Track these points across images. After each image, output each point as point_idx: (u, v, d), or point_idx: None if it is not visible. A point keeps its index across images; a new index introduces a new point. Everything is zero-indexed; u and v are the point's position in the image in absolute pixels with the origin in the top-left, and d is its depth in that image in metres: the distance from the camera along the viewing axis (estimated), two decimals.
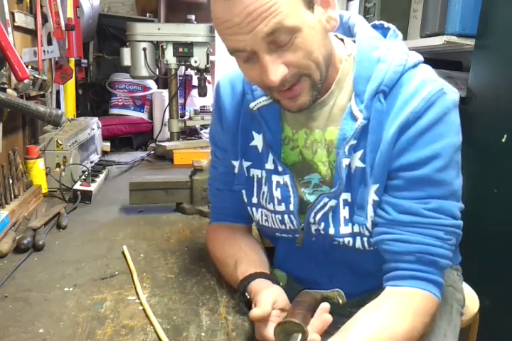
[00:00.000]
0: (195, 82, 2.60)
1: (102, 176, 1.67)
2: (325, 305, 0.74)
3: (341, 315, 0.92)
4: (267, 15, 0.67)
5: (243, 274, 0.86)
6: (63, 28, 1.78)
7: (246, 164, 0.93)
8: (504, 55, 1.41)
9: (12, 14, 1.42)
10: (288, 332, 0.70)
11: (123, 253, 1.09)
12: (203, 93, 2.15)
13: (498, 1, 1.44)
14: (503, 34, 1.41)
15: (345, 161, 0.80)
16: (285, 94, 0.77)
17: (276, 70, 0.72)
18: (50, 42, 1.75)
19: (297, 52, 0.72)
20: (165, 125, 2.27)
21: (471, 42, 1.57)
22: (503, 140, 1.37)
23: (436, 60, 1.95)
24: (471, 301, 1.16)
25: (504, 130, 1.37)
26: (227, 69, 0.97)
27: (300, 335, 0.69)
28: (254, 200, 0.94)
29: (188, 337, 0.77)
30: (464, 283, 1.07)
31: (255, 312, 0.72)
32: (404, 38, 0.85)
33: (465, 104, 1.53)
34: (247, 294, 0.82)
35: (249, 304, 0.81)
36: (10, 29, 1.33)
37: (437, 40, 1.64)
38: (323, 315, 0.73)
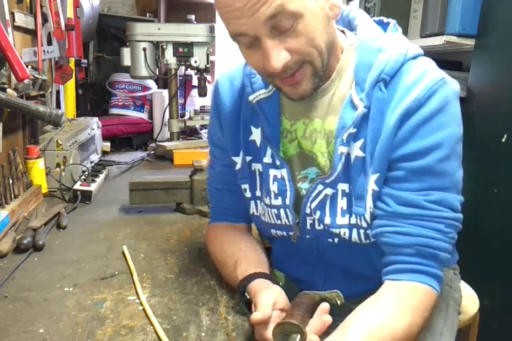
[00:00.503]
0: (195, 82, 2.60)
1: (102, 176, 1.67)
2: (325, 306, 0.74)
3: (340, 314, 0.92)
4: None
5: (243, 274, 0.85)
6: (63, 28, 1.78)
7: (247, 159, 0.92)
8: (504, 55, 1.41)
9: (12, 14, 1.42)
10: (286, 333, 0.70)
11: (123, 253, 1.09)
12: (203, 93, 2.15)
13: (498, 1, 1.44)
14: (503, 34, 1.41)
15: (342, 149, 0.79)
16: (287, 81, 0.77)
17: (279, 56, 0.71)
18: (50, 42, 1.75)
19: (299, 38, 0.71)
20: (165, 125, 2.28)
21: (471, 42, 1.57)
22: (503, 140, 1.37)
23: (436, 60, 1.95)
24: (471, 301, 1.16)
25: (504, 130, 1.37)
26: (227, 70, 0.97)
27: (299, 336, 0.69)
28: (258, 193, 0.94)
29: (188, 337, 0.77)
30: (463, 282, 1.07)
31: (255, 316, 0.72)
32: None
33: (465, 104, 1.53)
34: (246, 294, 0.82)
35: (249, 304, 0.81)
36: (10, 29, 1.33)
37: (437, 40, 1.64)
38: (322, 316, 0.73)
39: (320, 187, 0.84)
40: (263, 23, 0.69)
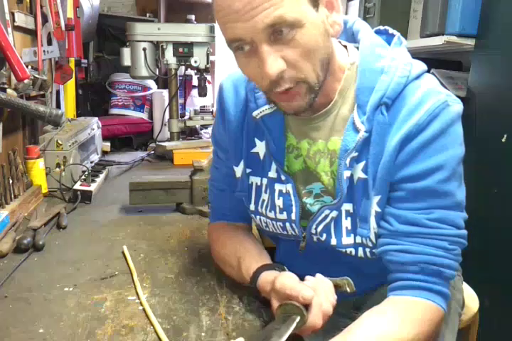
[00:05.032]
0: (195, 82, 2.60)
1: (102, 176, 1.67)
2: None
3: (343, 316, 0.92)
4: (269, 7, 0.66)
5: (247, 271, 0.86)
6: (63, 28, 1.78)
7: (247, 170, 0.92)
8: (504, 55, 1.41)
9: (12, 14, 1.42)
10: (288, 314, 0.73)
11: (123, 253, 1.09)
12: (203, 93, 2.15)
13: (498, 1, 1.44)
14: (503, 34, 1.41)
15: (347, 173, 0.80)
16: (281, 97, 0.76)
17: (274, 62, 0.70)
18: (50, 42, 1.75)
19: (297, 49, 0.70)
20: (165, 125, 2.28)
21: (471, 42, 1.57)
22: (503, 140, 1.37)
23: (436, 60, 1.95)
24: (471, 301, 1.16)
25: (504, 130, 1.37)
26: (227, 70, 0.97)
27: (298, 317, 0.72)
28: (252, 207, 0.94)
29: (188, 337, 0.77)
30: (463, 283, 1.07)
31: (309, 294, 0.73)
32: (405, 38, 0.84)
33: (465, 104, 1.53)
34: (261, 294, 0.83)
35: (264, 301, 0.83)
36: (10, 29, 1.33)
37: (437, 40, 1.64)
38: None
39: (326, 211, 0.84)
40: (261, 30, 0.68)
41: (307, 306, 0.74)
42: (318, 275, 0.80)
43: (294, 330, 0.72)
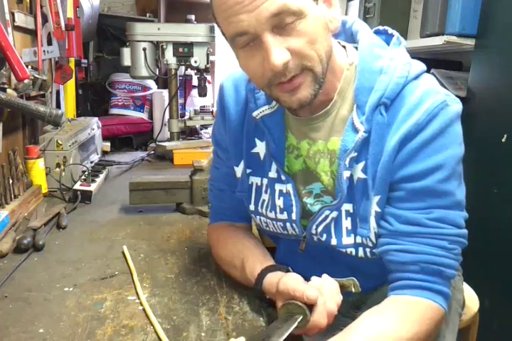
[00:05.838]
0: (195, 82, 2.60)
1: (102, 176, 1.67)
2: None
3: (343, 315, 0.93)
4: None
5: (251, 273, 0.86)
6: (63, 28, 1.78)
7: (247, 171, 0.92)
8: (504, 55, 1.41)
9: (12, 14, 1.42)
10: (291, 314, 0.73)
11: (123, 253, 1.09)
12: (203, 93, 2.15)
13: (498, 1, 1.44)
14: (503, 34, 1.41)
15: (346, 173, 0.80)
16: (285, 87, 0.74)
17: (279, 52, 0.69)
18: (50, 42, 1.75)
19: (300, 38, 0.70)
20: (165, 125, 2.28)
21: (471, 42, 1.57)
22: (503, 140, 1.37)
23: (436, 60, 1.95)
24: (471, 301, 1.16)
25: (504, 130, 1.37)
26: (227, 70, 0.97)
27: (301, 317, 0.72)
28: (252, 208, 0.94)
29: (188, 337, 0.77)
30: (463, 283, 1.07)
31: (313, 294, 0.73)
32: (405, 38, 0.84)
33: (465, 104, 1.53)
34: (266, 295, 0.83)
35: (269, 301, 0.83)
36: (10, 29, 1.33)
37: (437, 40, 1.64)
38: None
39: (327, 212, 0.85)
40: (266, 20, 0.68)
41: (312, 306, 0.74)
42: (324, 275, 0.80)
43: (297, 330, 0.73)
